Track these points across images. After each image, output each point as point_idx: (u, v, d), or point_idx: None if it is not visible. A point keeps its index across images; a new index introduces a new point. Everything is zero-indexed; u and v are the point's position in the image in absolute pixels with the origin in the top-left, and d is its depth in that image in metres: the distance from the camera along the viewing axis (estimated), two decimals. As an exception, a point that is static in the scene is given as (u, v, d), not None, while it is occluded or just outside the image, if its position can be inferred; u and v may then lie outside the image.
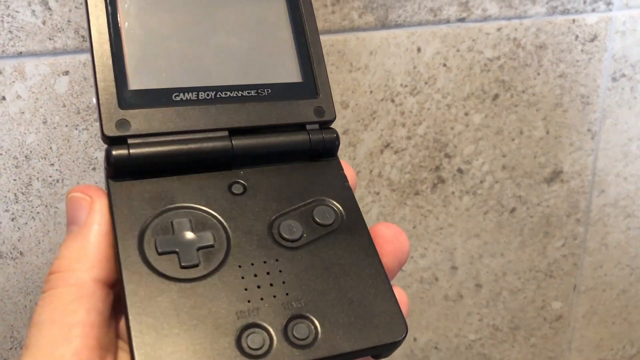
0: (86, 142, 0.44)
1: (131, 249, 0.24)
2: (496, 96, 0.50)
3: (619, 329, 0.64)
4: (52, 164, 0.44)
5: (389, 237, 0.28)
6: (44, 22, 0.41)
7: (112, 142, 0.25)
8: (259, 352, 0.23)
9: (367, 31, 0.45)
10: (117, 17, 0.27)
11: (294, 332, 0.24)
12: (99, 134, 0.26)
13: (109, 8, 0.27)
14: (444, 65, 0.48)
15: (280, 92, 0.28)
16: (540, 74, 0.50)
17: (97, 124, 0.44)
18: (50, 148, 0.44)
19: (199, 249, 0.25)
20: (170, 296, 0.24)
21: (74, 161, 0.44)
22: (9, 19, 0.40)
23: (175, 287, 0.24)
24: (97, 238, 0.25)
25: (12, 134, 0.42)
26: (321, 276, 0.26)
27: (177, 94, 0.27)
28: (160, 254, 0.24)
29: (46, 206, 0.45)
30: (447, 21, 0.47)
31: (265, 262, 0.25)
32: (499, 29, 0.48)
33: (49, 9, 0.40)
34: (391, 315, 0.25)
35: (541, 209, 0.56)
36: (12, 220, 0.45)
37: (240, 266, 0.25)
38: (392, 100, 0.48)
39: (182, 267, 0.24)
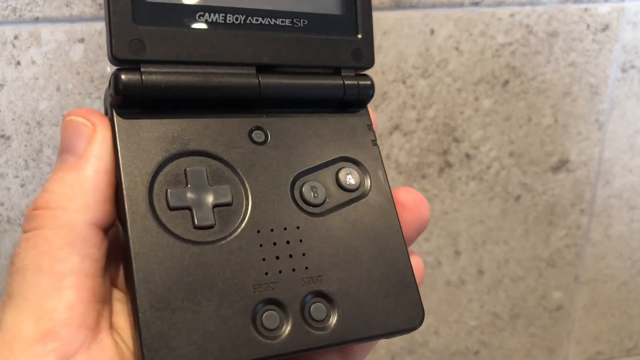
0: (99, 110, 0.44)
1: (140, 198, 0.21)
2: (506, 82, 0.51)
3: (618, 322, 0.64)
4: (64, 132, 0.44)
5: (410, 205, 0.26)
6: (61, -12, 0.41)
7: (123, 64, 0.22)
8: (275, 334, 0.22)
9: (381, 11, 0.46)
10: None
11: (311, 313, 0.22)
12: (107, 54, 0.22)
13: None
14: (456, 49, 0.49)
15: (317, 24, 0.25)
16: (550, 62, 0.51)
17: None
18: (63, 115, 0.44)
19: (214, 206, 0.22)
20: (182, 261, 0.21)
21: (85, 130, 0.45)
22: (27, -17, 0.40)
23: (187, 249, 0.21)
24: (96, 174, 0.22)
25: (25, 100, 0.43)
26: (342, 250, 0.24)
27: (202, 13, 0.23)
28: (171, 208, 0.22)
29: (56, 174, 0.46)
30: (461, 4, 0.47)
31: (285, 228, 0.23)
32: (511, 15, 0.48)
33: (67, -25, 0.41)
34: (411, 302, 0.24)
35: (546, 197, 0.56)
36: (22, 186, 0.45)
37: (259, 231, 0.23)
38: (404, 82, 0.49)
39: (196, 227, 0.22)
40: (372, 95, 0.26)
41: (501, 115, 0.52)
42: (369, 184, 0.25)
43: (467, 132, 0.52)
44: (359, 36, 0.26)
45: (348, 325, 0.23)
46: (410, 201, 0.26)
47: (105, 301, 0.22)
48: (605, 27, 0.51)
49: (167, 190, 0.22)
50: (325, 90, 0.25)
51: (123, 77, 0.22)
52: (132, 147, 0.22)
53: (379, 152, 0.26)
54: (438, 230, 0.55)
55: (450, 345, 0.60)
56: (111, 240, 0.23)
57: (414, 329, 0.24)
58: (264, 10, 0.24)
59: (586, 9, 0.50)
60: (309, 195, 0.24)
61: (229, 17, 0.23)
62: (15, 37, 0.41)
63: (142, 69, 0.22)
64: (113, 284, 0.23)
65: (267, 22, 0.24)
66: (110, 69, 0.44)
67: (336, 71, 0.26)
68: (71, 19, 0.42)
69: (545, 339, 0.63)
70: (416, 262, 0.26)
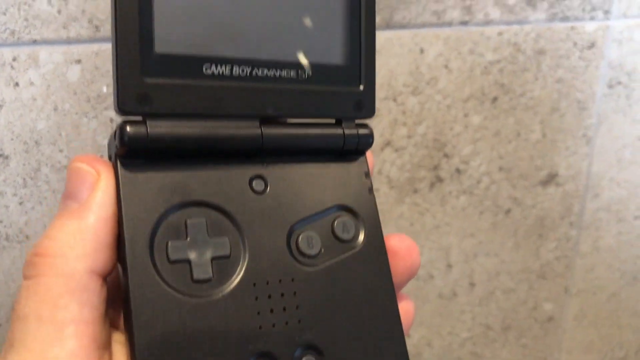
0: (95, 129, 0.45)
1: (141, 250, 0.22)
2: (495, 99, 0.52)
3: (609, 332, 0.65)
4: (61, 150, 0.45)
5: (402, 253, 0.26)
6: (59, 11, 0.42)
7: (129, 115, 0.22)
8: None
9: (372, 31, 0.47)
10: None
11: None
12: (113, 106, 0.23)
13: None
14: (446, 66, 0.50)
15: (321, 75, 0.25)
16: (538, 79, 0.52)
17: (106, 112, 0.46)
18: (60, 134, 0.45)
19: (213, 259, 0.23)
20: (180, 314, 0.21)
21: (82, 148, 0.45)
22: (26, 7, 0.41)
23: (185, 303, 0.22)
24: (98, 222, 0.22)
25: (24, 120, 0.43)
26: (334, 303, 0.24)
27: (209, 65, 0.23)
28: (171, 262, 0.22)
29: (53, 191, 0.46)
30: (450, 24, 0.48)
31: (280, 280, 0.23)
32: (499, 34, 0.49)
33: (65, -2, 0.42)
34: (397, 355, 0.25)
35: (536, 211, 0.57)
36: (20, 204, 0.46)
37: (255, 284, 0.23)
38: (394, 100, 0.50)
39: (194, 281, 0.22)
40: (371, 144, 0.27)
41: (490, 130, 0.53)
42: (364, 234, 0.26)
43: (457, 148, 0.53)
44: (361, 87, 0.26)
45: None
46: (403, 249, 0.27)
47: (105, 347, 0.22)
48: (592, 45, 0.52)
49: (167, 242, 0.22)
50: (326, 140, 0.26)
51: (129, 129, 0.22)
52: (135, 198, 0.22)
53: (374, 200, 0.26)
54: (430, 243, 0.56)
55: (443, 357, 0.61)
56: (111, 283, 0.23)
57: None
58: (269, 62, 0.24)
59: (573, 27, 0.51)
60: (304, 246, 0.24)
61: (235, 68, 0.24)
62: (14, 59, 0.42)
63: (147, 122, 0.22)
64: (113, 325, 0.24)
65: (272, 74, 0.24)
66: (106, 88, 0.44)
67: (337, 121, 0.26)
68: (68, 41, 0.43)
69: (537, 350, 0.63)
70: (407, 306, 0.27)
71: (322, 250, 0.25)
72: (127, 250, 0.22)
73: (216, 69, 0.23)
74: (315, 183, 0.25)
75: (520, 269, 0.59)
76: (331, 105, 0.25)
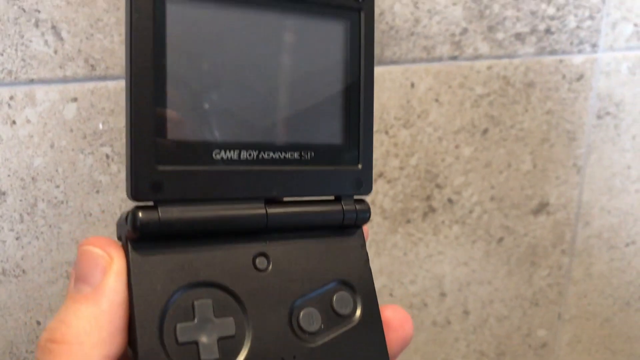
0: (91, 165, 0.46)
1: (151, 333, 0.22)
2: (486, 130, 0.52)
3: (602, 357, 0.65)
4: (58, 186, 0.46)
5: (395, 325, 0.27)
6: (55, 51, 0.43)
7: (141, 201, 0.23)
8: None
9: (363, 67, 0.48)
10: (162, 57, 0.23)
11: None
12: (125, 188, 0.23)
13: (155, 46, 0.23)
14: (436, 100, 0.50)
15: (322, 155, 0.26)
16: (528, 111, 0.53)
17: (102, 149, 0.46)
18: (57, 171, 0.45)
19: (219, 339, 0.23)
20: None
21: (78, 184, 0.46)
22: (23, 47, 0.42)
23: None
24: (112, 307, 0.22)
25: (21, 157, 0.44)
26: None
27: (219, 151, 0.24)
28: (179, 344, 0.23)
29: (50, 226, 0.47)
30: (440, 59, 0.49)
31: (283, 358, 0.24)
32: (489, 67, 0.50)
33: (61, 38, 0.42)
34: None
35: (528, 239, 0.58)
36: (17, 239, 0.46)
37: None
38: (386, 132, 0.50)
39: None
40: (368, 219, 0.27)
41: (481, 162, 0.53)
42: (361, 307, 0.27)
43: (449, 178, 0.53)
44: (360, 166, 0.27)
45: None
46: (396, 321, 0.27)
47: None
48: (580, 77, 0.53)
49: (175, 325, 0.23)
50: (326, 217, 0.27)
51: (141, 215, 0.22)
52: (145, 280, 0.23)
53: (371, 272, 0.27)
54: (423, 272, 0.56)
55: (437, 384, 0.61)
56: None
57: None
58: (275, 145, 0.25)
59: (561, 60, 0.52)
60: (305, 323, 0.25)
61: (243, 153, 0.25)
62: (11, 98, 0.43)
63: (159, 208, 0.23)
64: None
65: (277, 157, 0.25)
66: (102, 126, 0.45)
67: (337, 198, 0.27)
68: (65, 80, 0.43)
69: (531, 376, 0.64)
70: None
71: (322, 326, 0.25)
72: (138, 334, 0.22)
73: (225, 154, 0.24)
74: (316, 258, 0.26)
75: (514, 296, 0.60)
76: (332, 184, 0.27)
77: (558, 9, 0.50)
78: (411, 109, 0.50)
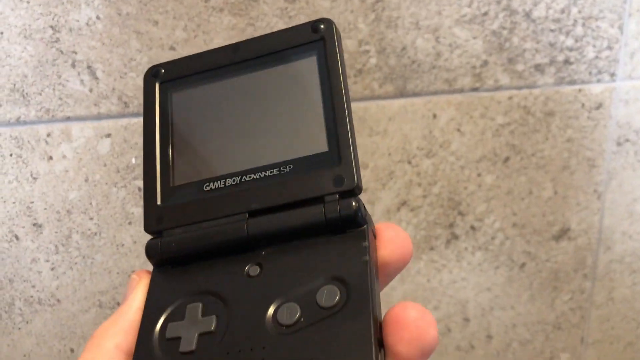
0: (124, 198, 0.47)
1: (149, 331, 0.27)
2: (507, 159, 0.53)
3: (626, 382, 0.65)
4: (91, 218, 0.47)
5: (409, 320, 0.23)
6: (90, 90, 0.44)
7: (152, 233, 0.28)
8: None
9: (386, 99, 0.49)
10: (168, 131, 0.30)
11: None
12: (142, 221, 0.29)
13: (162, 123, 0.30)
14: (458, 130, 0.51)
15: (303, 165, 0.28)
16: (548, 139, 0.53)
17: (135, 182, 0.48)
18: (90, 203, 0.47)
19: (200, 334, 0.26)
20: None
21: (111, 216, 0.48)
22: (60, 87, 0.44)
23: None
24: (130, 311, 0.28)
25: (57, 191, 0.46)
26: None
27: (208, 184, 0.29)
28: (167, 339, 0.26)
29: (84, 257, 0.48)
30: (462, 90, 0.50)
31: (252, 349, 0.25)
32: (509, 98, 0.51)
33: (96, 78, 0.44)
34: None
35: (549, 264, 0.58)
36: (52, 270, 0.48)
37: (228, 353, 0.25)
38: (409, 162, 0.52)
39: (181, 353, 0.25)
40: (359, 215, 0.26)
41: (503, 189, 0.54)
42: (348, 301, 0.25)
43: (472, 206, 0.54)
44: (341, 164, 0.27)
45: None
46: (411, 316, 0.24)
47: None
48: (599, 105, 0.53)
49: (167, 324, 0.27)
50: (306, 219, 0.27)
51: (147, 242, 0.28)
52: (156, 291, 0.28)
53: (366, 268, 0.26)
54: (447, 298, 0.57)
55: (461, 409, 0.62)
56: None
57: None
58: (256, 168, 0.28)
59: (580, 90, 0.53)
60: (282, 316, 0.25)
61: (228, 180, 0.28)
62: (48, 135, 0.45)
63: (163, 233, 0.28)
64: None
65: (258, 176, 0.28)
66: (135, 160, 0.47)
67: (321, 199, 0.27)
68: (99, 117, 0.45)
69: (555, 400, 0.64)
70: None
71: (302, 319, 0.25)
72: (140, 331, 0.27)
73: (213, 184, 0.29)
74: (307, 259, 0.27)
75: (536, 321, 0.60)
76: (312, 187, 0.27)
77: (576, 40, 0.51)
78: (433, 139, 0.51)
